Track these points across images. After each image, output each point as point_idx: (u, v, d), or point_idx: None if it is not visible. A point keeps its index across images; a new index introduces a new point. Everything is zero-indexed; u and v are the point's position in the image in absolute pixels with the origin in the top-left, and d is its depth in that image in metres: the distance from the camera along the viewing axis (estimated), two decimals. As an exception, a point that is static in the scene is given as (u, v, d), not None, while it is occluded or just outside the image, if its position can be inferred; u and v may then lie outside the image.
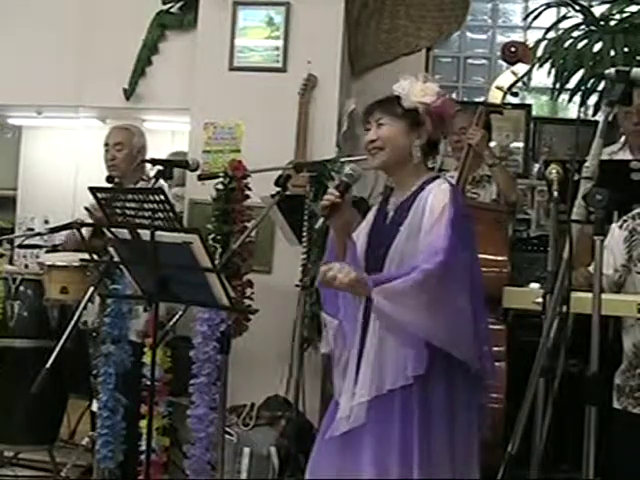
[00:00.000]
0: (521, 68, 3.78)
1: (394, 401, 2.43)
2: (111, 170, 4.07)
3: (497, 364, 3.45)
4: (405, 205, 2.55)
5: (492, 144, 4.33)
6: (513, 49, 3.79)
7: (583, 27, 4.77)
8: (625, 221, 2.83)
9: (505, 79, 3.80)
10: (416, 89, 2.55)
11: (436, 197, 2.49)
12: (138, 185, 3.97)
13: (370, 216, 2.69)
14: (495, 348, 3.48)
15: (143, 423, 3.37)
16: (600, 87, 4.64)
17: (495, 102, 3.80)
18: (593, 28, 4.73)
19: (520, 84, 3.86)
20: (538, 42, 4.79)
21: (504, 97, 3.80)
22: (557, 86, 4.81)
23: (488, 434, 3.17)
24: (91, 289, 3.11)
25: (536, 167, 5.67)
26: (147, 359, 3.42)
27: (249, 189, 3.87)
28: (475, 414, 2.51)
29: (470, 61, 6.39)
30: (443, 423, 2.43)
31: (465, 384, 2.48)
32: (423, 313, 2.37)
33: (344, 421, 2.48)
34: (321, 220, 2.56)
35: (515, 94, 3.89)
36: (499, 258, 3.57)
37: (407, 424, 2.42)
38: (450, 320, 2.39)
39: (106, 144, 4.14)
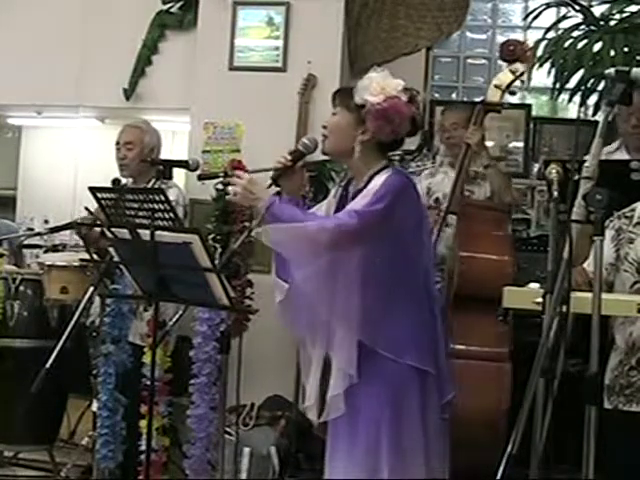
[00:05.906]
0: (520, 66, 3.77)
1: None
2: (122, 169, 3.98)
3: (500, 364, 3.46)
4: (358, 195, 2.57)
5: (489, 144, 4.33)
6: (511, 47, 3.78)
7: (583, 27, 4.76)
8: (611, 221, 2.83)
9: (503, 77, 3.79)
10: (373, 85, 2.48)
11: (376, 180, 2.51)
12: (150, 185, 3.82)
13: (332, 202, 2.70)
14: (498, 349, 3.49)
15: (143, 423, 3.37)
16: (600, 87, 4.63)
17: (493, 101, 3.80)
18: (593, 28, 4.72)
19: (519, 83, 3.85)
20: (538, 42, 4.77)
21: (502, 96, 3.79)
22: (557, 86, 4.80)
23: (488, 434, 3.18)
24: (91, 289, 3.10)
25: (536, 167, 5.67)
26: (147, 359, 3.42)
27: (249, 189, 3.87)
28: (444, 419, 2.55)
29: (470, 61, 6.39)
30: (415, 422, 2.47)
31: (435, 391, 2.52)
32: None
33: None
34: (269, 182, 2.57)
35: (513, 93, 3.89)
36: (502, 258, 3.56)
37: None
38: (342, 291, 2.41)
39: (117, 142, 4.03)
